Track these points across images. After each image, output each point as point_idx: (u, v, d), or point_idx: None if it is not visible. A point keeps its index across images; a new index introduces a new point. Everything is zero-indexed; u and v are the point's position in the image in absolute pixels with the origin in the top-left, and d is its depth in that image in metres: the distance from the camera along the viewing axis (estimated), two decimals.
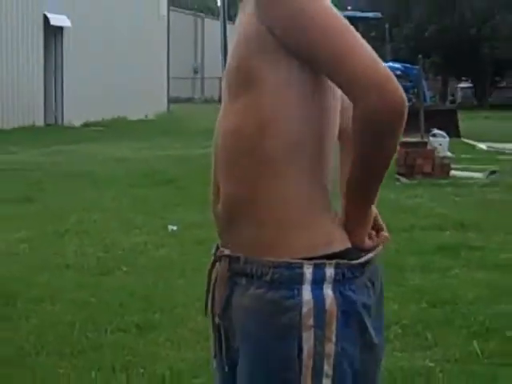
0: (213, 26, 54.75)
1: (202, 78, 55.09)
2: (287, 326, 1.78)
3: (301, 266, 1.79)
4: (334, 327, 1.78)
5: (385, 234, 1.98)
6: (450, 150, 13.30)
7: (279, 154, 1.81)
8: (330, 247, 1.82)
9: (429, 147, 12.86)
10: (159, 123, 26.48)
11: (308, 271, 1.78)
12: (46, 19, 25.54)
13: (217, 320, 1.96)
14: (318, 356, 1.78)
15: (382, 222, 2.01)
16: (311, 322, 1.78)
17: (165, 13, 35.60)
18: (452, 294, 5.86)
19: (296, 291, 1.78)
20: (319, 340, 1.78)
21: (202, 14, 58.73)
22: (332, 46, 1.72)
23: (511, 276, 6.46)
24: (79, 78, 25.96)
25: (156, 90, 32.06)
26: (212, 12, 63.10)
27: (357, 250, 1.88)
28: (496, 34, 46.54)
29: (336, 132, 1.92)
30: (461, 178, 12.38)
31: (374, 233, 1.97)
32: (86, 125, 25.87)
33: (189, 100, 47.36)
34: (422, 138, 13.83)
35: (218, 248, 1.96)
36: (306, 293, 1.78)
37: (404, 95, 1.71)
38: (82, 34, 26.73)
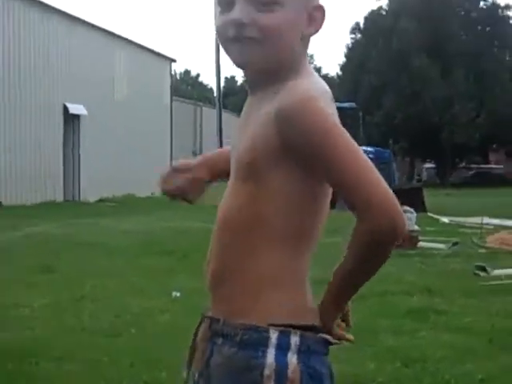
0: (210, 114, 55.14)
1: None
2: None
3: (267, 331, 1.75)
4: None
5: (350, 336, 1.92)
6: (417, 223, 13.33)
7: (263, 239, 1.81)
8: (300, 319, 1.79)
9: None
10: (163, 199, 26.35)
11: (274, 336, 1.75)
12: (65, 108, 25.74)
13: (196, 377, 1.91)
14: None
15: (350, 319, 1.96)
16: (269, 383, 1.73)
17: (168, 102, 35.91)
18: (421, 354, 5.82)
19: (261, 353, 1.74)
20: None
21: (200, 103, 59.15)
22: (350, 169, 1.69)
23: (473, 338, 6.44)
24: (94, 160, 26.08)
25: (161, 168, 32.10)
26: (209, 101, 63.63)
27: (322, 330, 1.83)
28: (455, 121, 47.08)
29: (325, 217, 1.89)
30: (427, 249, 12.40)
31: (343, 325, 1.91)
32: (100, 201, 25.94)
33: None
34: None
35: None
36: (270, 356, 1.73)
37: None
38: (97, 122, 26.93)
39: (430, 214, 19.67)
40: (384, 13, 55.98)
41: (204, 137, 56.00)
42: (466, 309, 7.65)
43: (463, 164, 55.18)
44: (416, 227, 13.04)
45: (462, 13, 54.39)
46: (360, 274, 1.79)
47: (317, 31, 1.84)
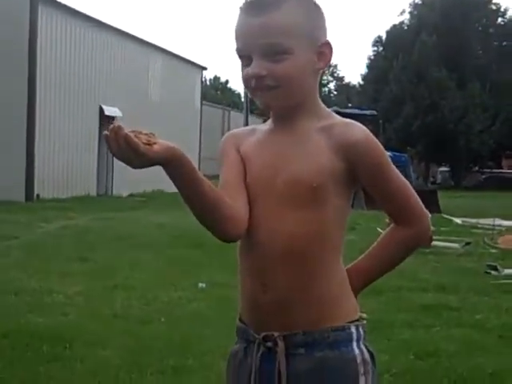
0: (237, 118, 55.28)
1: None
2: (350, 376, 1.93)
3: (349, 328, 1.95)
4: (370, 375, 1.96)
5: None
6: (432, 223, 13.25)
7: (328, 254, 1.96)
8: (357, 313, 2.01)
9: None
10: None
11: (353, 331, 1.96)
12: (101, 110, 25.88)
13: None
14: None
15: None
16: (362, 370, 1.94)
17: (198, 107, 36.00)
18: (435, 347, 5.79)
19: (350, 347, 1.94)
20: None
21: (228, 108, 59.29)
22: (402, 186, 1.98)
23: (484, 334, 6.39)
24: None
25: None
26: (237, 106, 63.77)
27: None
28: (470, 129, 46.88)
29: None
30: (441, 248, 12.31)
31: None
32: (131, 195, 26.03)
33: (215, 177, 47.21)
34: None
35: (246, 333, 2.02)
36: (355, 347, 1.94)
37: None
38: (130, 123, 26.95)
39: (444, 215, 19.55)
40: (405, 27, 55.82)
41: None
42: (478, 306, 7.60)
43: (476, 168, 54.84)
44: (431, 227, 12.95)
45: (480, 28, 54.12)
46: (393, 267, 2.10)
47: (326, 65, 1.99)
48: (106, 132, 1.69)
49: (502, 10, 55.51)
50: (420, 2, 55.88)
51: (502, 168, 53.65)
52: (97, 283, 8.28)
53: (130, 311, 6.97)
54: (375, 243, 2.08)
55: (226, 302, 7.06)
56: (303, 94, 1.95)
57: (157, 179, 27.87)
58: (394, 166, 1.95)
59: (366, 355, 1.95)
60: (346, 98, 68.10)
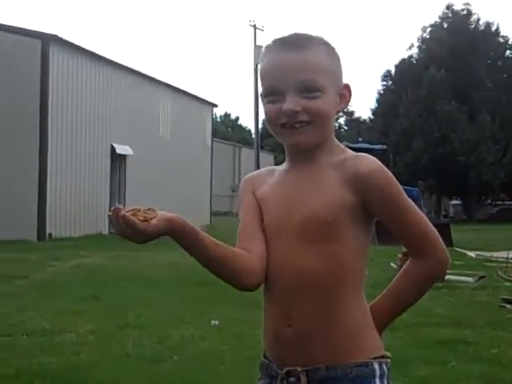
0: (248, 154, 55.48)
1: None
2: None
3: (372, 364, 1.94)
4: None
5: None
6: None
7: (349, 287, 1.96)
8: (381, 350, 1.99)
9: None
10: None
11: (376, 367, 1.94)
12: (112, 148, 26.01)
13: None
14: None
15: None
16: None
17: (209, 144, 36.14)
18: (452, 383, 5.71)
19: (372, 383, 1.93)
20: None
21: (239, 144, 59.53)
22: (419, 218, 1.98)
23: (501, 369, 6.30)
24: (139, 195, 26.23)
25: (201, 205, 32.33)
26: (247, 143, 63.98)
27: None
28: (481, 162, 46.83)
29: None
30: (454, 282, 12.22)
31: None
32: None
33: (227, 213, 47.48)
34: None
35: (270, 369, 2.03)
36: None
37: None
38: (142, 161, 27.16)
39: (457, 249, 19.44)
40: (414, 61, 56.07)
41: (242, 175, 56.27)
42: (494, 340, 7.51)
43: (489, 201, 54.66)
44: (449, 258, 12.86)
45: (488, 61, 54.31)
46: (415, 301, 2.07)
47: (346, 106, 2.10)
48: (109, 213, 1.80)
49: (509, 42, 55.75)
50: (428, 37, 56.16)
51: None
52: (109, 322, 8.23)
53: (142, 350, 6.91)
54: (394, 279, 2.08)
55: (239, 339, 7.01)
56: (328, 133, 2.02)
57: None
58: (407, 198, 1.97)
59: None
60: (356, 132, 68.21)
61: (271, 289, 2.01)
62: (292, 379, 1.95)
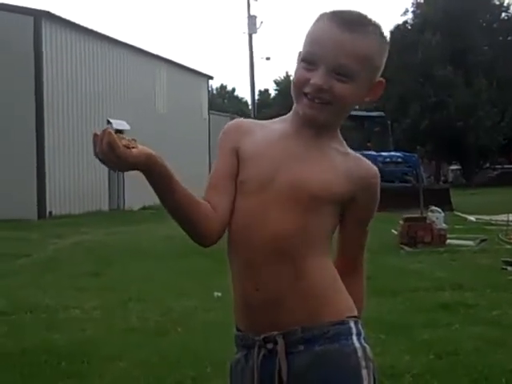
0: None
1: None
2: (351, 368, 1.93)
3: (348, 322, 1.97)
4: (371, 371, 1.96)
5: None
6: (445, 222, 13.18)
7: (316, 252, 1.99)
8: (353, 311, 2.01)
9: (428, 221, 12.80)
10: None
11: (352, 326, 1.97)
12: (109, 123, 25.97)
13: None
14: None
15: None
16: (363, 363, 1.94)
17: (206, 116, 36.07)
18: (454, 346, 5.75)
19: (350, 341, 1.95)
20: (370, 380, 1.94)
21: (236, 116, 59.37)
22: (367, 237, 2.14)
23: (503, 330, 6.35)
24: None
25: (200, 177, 32.31)
26: (244, 114, 63.84)
27: None
28: (479, 126, 46.73)
29: None
30: (455, 246, 12.28)
31: None
32: (143, 209, 26.06)
33: None
34: (422, 213, 13.76)
35: (245, 339, 2.03)
36: (356, 341, 1.95)
37: None
38: (139, 135, 26.77)
39: (457, 213, 19.50)
40: (409, 27, 55.75)
41: None
42: (495, 302, 7.55)
43: (488, 165, 54.63)
44: (444, 225, 12.90)
45: (484, 24, 53.97)
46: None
47: (372, 101, 2.08)
48: (95, 132, 1.76)
49: (505, 4, 55.43)
50: (422, 1, 55.80)
51: None
52: (112, 297, 8.28)
53: (146, 323, 6.95)
54: None
55: None
56: (343, 118, 2.06)
57: None
58: None
59: (369, 352, 1.96)
60: None
61: (238, 251, 1.99)
62: (269, 345, 1.95)
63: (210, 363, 5.41)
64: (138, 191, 26.01)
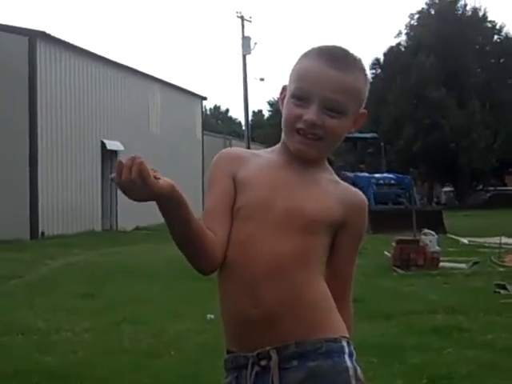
0: (238, 146, 55.34)
1: None
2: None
3: (341, 341, 2.01)
4: None
5: None
6: (438, 244, 13.20)
7: (314, 274, 2.06)
8: (345, 332, 2.06)
9: (421, 244, 12.82)
10: None
11: (345, 345, 2.02)
12: (103, 144, 25.98)
13: None
14: None
15: None
16: (354, 382, 1.97)
17: (199, 137, 36.11)
18: (448, 370, 5.74)
19: (342, 358, 1.99)
20: None
21: (230, 137, 59.37)
22: (354, 265, 2.22)
23: (497, 354, 6.35)
24: None
25: (193, 198, 32.22)
26: (238, 135, 63.87)
27: None
28: (472, 148, 46.86)
29: None
30: (448, 269, 12.29)
31: None
32: (137, 229, 26.01)
33: None
34: (415, 235, 13.78)
35: (236, 360, 2.05)
36: (348, 360, 1.99)
37: None
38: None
39: (449, 235, 19.52)
40: (403, 49, 56.00)
41: None
42: (489, 326, 7.56)
43: (481, 187, 54.73)
44: (437, 248, 12.92)
45: (477, 47, 54.24)
46: None
47: (355, 131, 2.19)
48: (120, 159, 1.75)
49: (497, 27, 55.71)
50: (416, 23, 56.11)
51: (505, 185, 53.57)
52: (104, 318, 8.25)
53: (138, 345, 6.93)
54: None
55: None
56: (332, 151, 2.14)
57: None
58: None
59: (359, 373, 2.00)
60: None
61: (236, 271, 2.02)
62: (263, 362, 1.98)
63: None
64: (132, 211, 26.12)
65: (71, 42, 24.66)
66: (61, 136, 23.70)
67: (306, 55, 2.07)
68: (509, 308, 8.49)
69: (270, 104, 75.88)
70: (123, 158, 1.76)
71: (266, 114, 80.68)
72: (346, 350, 2.00)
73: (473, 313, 8.23)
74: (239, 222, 2.04)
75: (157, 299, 9.64)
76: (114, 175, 1.77)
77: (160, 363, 6.25)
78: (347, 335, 2.05)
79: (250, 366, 1.99)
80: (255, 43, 49.29)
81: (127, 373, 5.90)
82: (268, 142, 66.12)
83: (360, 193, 2.16)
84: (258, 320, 1.98)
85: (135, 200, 1.80)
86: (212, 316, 8.18)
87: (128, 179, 1.74)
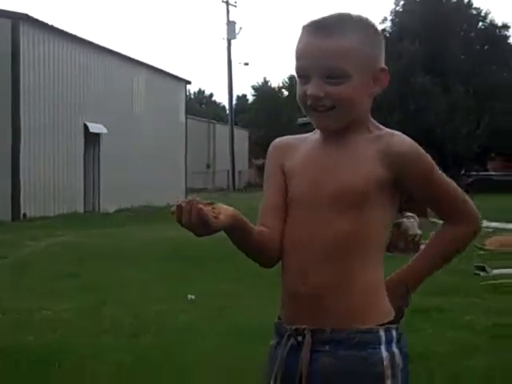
0: (222, 130, 55.33)
1: (213, 172, 55.44)
2: (375, 377, 1.98)
3: (378, 331, 2.01)
4: (399, 378, 2.01)
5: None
6: (419, 228, 13.23)
7: (370, 252, 2.06)
8: (389, 316, 2.05)
9: (402, 226, 12.86)
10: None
11: (382, 334, 2.01)
12: (86, 127, 25.86)
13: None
14: None
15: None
16: (389, 372, 1.98)
17: (183, 120, 36.01)
18: (426, 350, 5.77)
19: (378, 349, 1.99)
20: None
21: (213, 121, 59.33)
22: (454, 189, 2.14)
23: (475, 335, 6.40)
24: (112, 173, 26.19)
25: (176, 182, 32.26)
26: (222, 119, 63.80)
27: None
28: (456, 133, 47.09)
29: None
30: None
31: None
32: (119, 211, 25.95)
33: (202, 190, 47.40)
34: (397, 219, 13.83)
35: (280, 328, 2.12)
36: (384, 350, 1.99)
37: None
38: (116, 139, 27.00)
39: (431, 219, 19.58)
40: (387, 35, 55.99)
41: (217, 151, 56.25)
42: (468, 307, 7.61)
43: (463, 171, 55.04)
44: (418, 231, 12.96)
45: (462, 33, 54.32)
46: (444, 266, 2.22)
47: (382, 89, 2.15)
48: (179, 202, 1.86)
49: (482, 14, 55.82)
50: (401, 10, 56.08)
51: (487, 170, 53.85)
52: (86, 299, 8.23)
53: (119, 326, 6.92)
54: (427, 243, 2.24)
55: (216, 311, 7.05)
56: (356, 115, 2.07)
57: (144, 193, 28.09)
58: (438, 169, 2.10)
59: (398, 358, 2.01)
60: None
61: (290, 250, 2.08)
62: (299, 338, 2.03)
63: (185, 363, 5.44)
64: (114, 193, 26.09)
65: (55, 25, 24.51)
66: (44, 119, 23.57)
67: (300, 34, 2.07)
68: (487, 290, 8.55)
69: (254, 88, 75.74)
70: (182, 202, 1.85)
71: (250, 98, 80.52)
72: (383, 339, 2.01)
73: (452, 294, 8.29)
74: (293, 210, 2.10)
75: (138, 280, 9.64)
76: (174, 209, 1.87)
77: (141, 343, 6.25)
78: (389, 319, 2.04)
79: (286, 339, 2.06)
80: (240, 28, 49.25)
81: (107, 352, 5.89)
82: (250, 127, 66.13)
83: (407, 139, 2.08)
84: (303, 297, 2.03)
85: (200, 236, 1.91)
86: (193, 296, 8.22)
87: (188, 223, 1.85)
